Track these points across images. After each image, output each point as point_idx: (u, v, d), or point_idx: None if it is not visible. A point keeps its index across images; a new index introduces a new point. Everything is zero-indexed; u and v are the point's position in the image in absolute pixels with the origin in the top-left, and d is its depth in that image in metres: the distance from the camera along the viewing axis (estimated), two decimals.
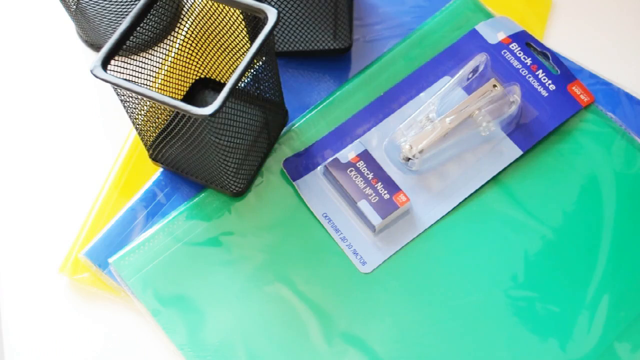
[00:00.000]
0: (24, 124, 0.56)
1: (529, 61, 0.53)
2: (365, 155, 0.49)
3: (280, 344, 0.45)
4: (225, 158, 0.45)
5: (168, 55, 0.54)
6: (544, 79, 0.52)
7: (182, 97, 0.53)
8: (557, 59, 0.53)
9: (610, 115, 0.52)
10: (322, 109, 0.53)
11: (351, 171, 0.49)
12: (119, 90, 0.44)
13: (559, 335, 0.45)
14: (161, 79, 0.51)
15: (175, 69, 0.52)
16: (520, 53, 0.53)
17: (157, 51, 0.53)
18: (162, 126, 0.49)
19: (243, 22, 0.48)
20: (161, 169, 0.52)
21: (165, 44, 0.54)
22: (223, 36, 0.50)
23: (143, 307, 0.47)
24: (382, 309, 0.46)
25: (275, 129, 0.51)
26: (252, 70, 0.48)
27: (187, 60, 0.52)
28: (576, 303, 0.46)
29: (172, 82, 0.51)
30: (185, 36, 0.51)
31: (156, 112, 0.47)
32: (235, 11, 0.48)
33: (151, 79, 0.50)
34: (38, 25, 0.60)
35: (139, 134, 0.48)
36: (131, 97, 0.44)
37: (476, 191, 0.49)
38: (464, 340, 0.45)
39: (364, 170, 0.49)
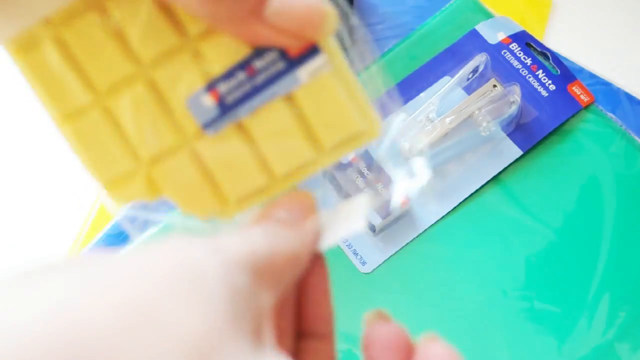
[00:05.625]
0: (24, 124, 0.56)
1: (529, 61, 0.53)
2: (365, 155, 0.49)
3: None
4: None
5: None
6: (544, 79, 0.52)
7: None
8: (557, 59, 0.53)
9: (610, 115, 0.52)
10: None
11: (351, 171, 0.49)
12: None
13: (559, 335, 0.45)
14: None
15: None
16: (520, 53, 0.53)
17: None
18: None
19: None
20: None
21: None
22: None
23: None
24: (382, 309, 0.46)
25: None
26: None
27: None
28: (576, 303, 0.46)
29: None
30: None
31: None
32: None
33: None
34: None
35: None
36: None
37: (476, 191, 0.49)
38: (464, 340, 0.45)
39: (364, 170, 0.49)
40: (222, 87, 0.25)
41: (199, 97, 0.25)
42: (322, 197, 0.49)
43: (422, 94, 0.52)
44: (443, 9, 0.56)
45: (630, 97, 0.53)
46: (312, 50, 0.24)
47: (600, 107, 0.52)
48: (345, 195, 0.48)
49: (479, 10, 0.56)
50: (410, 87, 0.53)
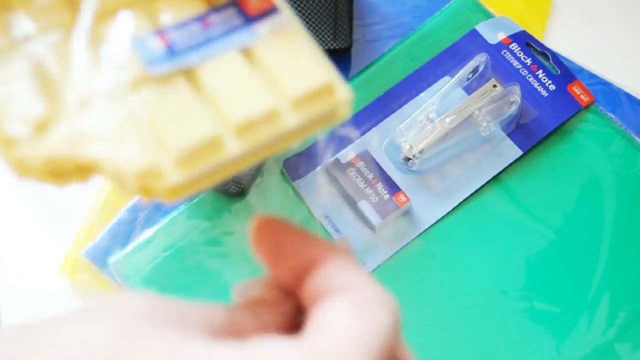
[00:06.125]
0: None
1: (529, 61, 0.53)
2: (365, 155, 0.49)
3: None
4: None
5: None
6: (544, 79, 0.52)
7: None
8: (557, 59, 0.53)
9: (610, 115, 0.52)
10: None
11: (351, 171, 0.49)
12: None
13: (559, 335, 0.45)
14: None
15: None
16: (520, 53, 0.53)
17: None
18: None
19: None
20: None
21: None
22: None
23: None
24: None
25: None
26: None
27: None
28: (576, 303, 0.46)
29: None
30: None
31: None
32: None
33: None
34: None
35: None
36: None
37: (476, 191, 0.49)
38: (464, 341, 0.45)
39: (364, 170, 0.49)
40: (173, 35, 0.23)
41: (145, 39, 0.23)
42: (324, 198, 0.49)
43: (422, 94, 0.52)
44: (443, 9, 0.56)
45: (630, 97, 0.53)
46: (270, 11, 0.24)
47: (600, 107, 0.52)
48: (345, 194, 0.48)
49: (479, 10, 0.56)
50: (410, 87, 0.53)
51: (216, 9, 0.24)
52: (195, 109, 0.22)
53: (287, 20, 0.24)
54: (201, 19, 0.23)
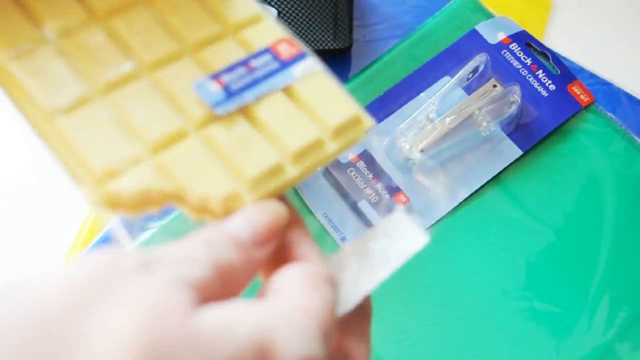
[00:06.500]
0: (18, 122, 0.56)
1: (529, 61, 0.53)
2: (365, 155, 0.49)
3: None
4: None
5: None
6: (544, 79, 0.52)
7: None
8: (557, 59, 0.53)
9: (610, 115, 0.52)
10: None
11: (351, 171, 0.49)
12: None
13: (559, 335, 0.45)
14: None
15: None
16: (520, 53, 0.53)
17: None
18: None
19: None
20: None
21: None
22: None
23: None
24: (381, 309, 0.46)
25: None
26: None
27: None
28: (576, 303, 0.46)
29: None
30: None
31: None
32: None
33: None
34: None
35: None
36: None
37: (476, 191, 0.49)
38: (464, 340, 0.45)
39: (364, 170, 0.49)
40: (226, 78, 0.27)
41: (204, 83, 0.27)
42: (324, 198, 0.49)
43: (422, 94, 0.52)
44: (443, 9, 0.56)
45: (630, 97, 0.53)
46: (300, 56, 0.28)
47: (600, 107, 0.52)
48: (345, 194, 0.48)
49: (479, 10, 0.56)
50: (410, 87, 0.53)
51: (254, 55, 0.28)
52: (258, 142, 0.26)
53: (314, 63, 0.28)
54: (244, 63, 0.27)
